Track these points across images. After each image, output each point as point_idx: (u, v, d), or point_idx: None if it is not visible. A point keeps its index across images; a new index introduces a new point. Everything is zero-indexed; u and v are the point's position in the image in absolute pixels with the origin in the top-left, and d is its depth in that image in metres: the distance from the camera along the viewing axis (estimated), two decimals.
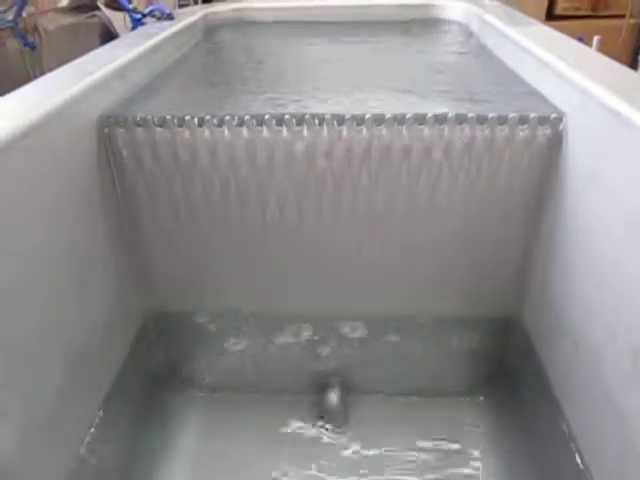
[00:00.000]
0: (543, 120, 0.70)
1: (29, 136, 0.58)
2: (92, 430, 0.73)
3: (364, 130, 0.71)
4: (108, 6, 1.58)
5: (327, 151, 0.72)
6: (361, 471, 0.84)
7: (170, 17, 1.18)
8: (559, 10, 2.48)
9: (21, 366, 0.60)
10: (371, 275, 0.84)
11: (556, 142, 0.71)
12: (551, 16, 2.45)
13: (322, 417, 0.92)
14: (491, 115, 0.69)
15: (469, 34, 1.20)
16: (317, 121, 0.70)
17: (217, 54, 1.15)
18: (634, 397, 0.56)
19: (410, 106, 0.75)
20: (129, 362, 0.84)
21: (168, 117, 0.72)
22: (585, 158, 0.66)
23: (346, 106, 0.75)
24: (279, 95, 0.81)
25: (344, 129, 0.71)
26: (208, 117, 0.71)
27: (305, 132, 0.71)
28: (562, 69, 0.72)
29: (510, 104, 0.74)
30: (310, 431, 0.90)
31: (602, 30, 2.10)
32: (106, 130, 0.73)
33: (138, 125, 0.73)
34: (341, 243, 0.81)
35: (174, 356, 0.95)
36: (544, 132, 0.70)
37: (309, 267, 0.84)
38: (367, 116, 0.70)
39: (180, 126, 0.72)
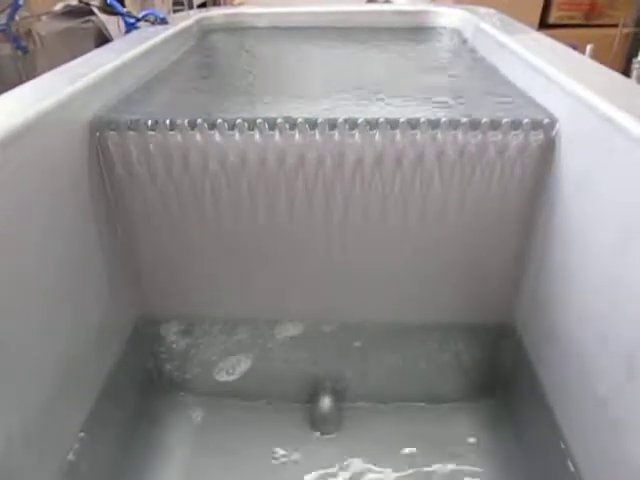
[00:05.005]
0: (536, 125, 0.69)
1: (19, 139, 0.58)
2: (81, 435, 0.72)
3: (356, 134, 0.70)
4: (103, 11, 1.58)
5: (319, 156, 0.72)
6: (355, 478, 0.83)
7: (164, 21, 1.18)
8: (553, 19, 2.49)
9: (12, 370, 0.59)
10: (363, 281, 0.83)
11: (549, 148, 0.71)
12: (545, 25, 2.46)
13: (315, 424, 0.91)
14: (484, 120, 0.69)
15: (464, 41, 1.20)
16: (309, 125, 0.70)
17: (211, 59, 1.14)
18: (627, 405, 0.56)
19: (403, 110, 0.75)
20: (120, 367, 0.83)
21: (160, 120, 0.71)
22: (578, 164, 0.66)
23: (335, 109, 0.75)
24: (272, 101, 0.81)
25: (336, 133, 0.71)
26: (200, 120, 0.71)
27: (297, 136, 0.71)
28: (555, 75, 0.72)
29: (503, 110, 0.74)
30: (302, 438, 0.89)
31: (595, 39, 2.11)
32: (98, 133, 0.73)
33: (130, 128, 0.72)
34: (333, 249, 0.80)
35: (165, 361, 0.94)
36: (537, 137, 0.70)
37: (301, 273, 0.84)
38: (360, 120, 0.70)
39: (172, 129, 0.71)
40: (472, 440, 0.87)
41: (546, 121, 0.70)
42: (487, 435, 0.88)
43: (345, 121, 0.70)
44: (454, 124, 0.70)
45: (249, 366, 0.93)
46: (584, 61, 0.82)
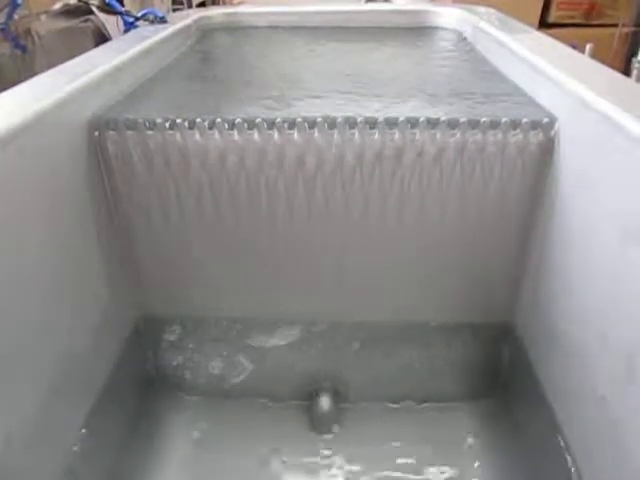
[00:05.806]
0: (535, 125, 0.69)
1: (18, 138, 0.58)
2: (81, 435, 0.72)
3: (356, 133, 0.70)
4: (102, 10, 1.57)
5: (318, 155, 0.72)
6: (354, 477, 0.83)
7: (163, 20, 1.18)
8: (553, 18, 2.50)
9: (11, 370, 0.59)
10: (363, 281, 0.83)
11: (548, 147, 0.70)
12: (545, 24, 2.46)
13: (314, 424, 0.91)
14: (483, 119, 0.69)
15: (463, 41, 1.20)
16: (308, 125, 0.70)
17: (210, 58, 1.14)
18: (627, 404, 0.56)
19: (401, 109, 0.75)
20: (120, 367, 0.83)
21: (159, 120, 0.71)
22: (577, 163, 0.66)
23: (336, 109, 0.75)
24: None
25: (335, 133, 0.70)
26: (199, 120, 0.71)
27: (296, 135, 0.71)
28: (555, 74, 0.72)
29: (502, 109, 0.74)
30: (301, 438, 0.89)
31: (595, 38, 2.12)
32: (96, 133, 0.73)
33: (129, 128, 0.72)
34: (333, 248, 0.80)
35: (165, 360, 0.94)
36: (536, 137, 0.70)
37: (300, 273, 0.84)
38: (359, 119, 0.70)
39: (171, 129, 0.71)
40: (471, 440, 0.87)
41: (545, 120, 0.70)
42: (487, 435, 0.88)
43: (345, 120, 0.70)
44: (453, 123, 0.70)
45: (249, 366, 0.93)
46: (584, 60, 0.82)
